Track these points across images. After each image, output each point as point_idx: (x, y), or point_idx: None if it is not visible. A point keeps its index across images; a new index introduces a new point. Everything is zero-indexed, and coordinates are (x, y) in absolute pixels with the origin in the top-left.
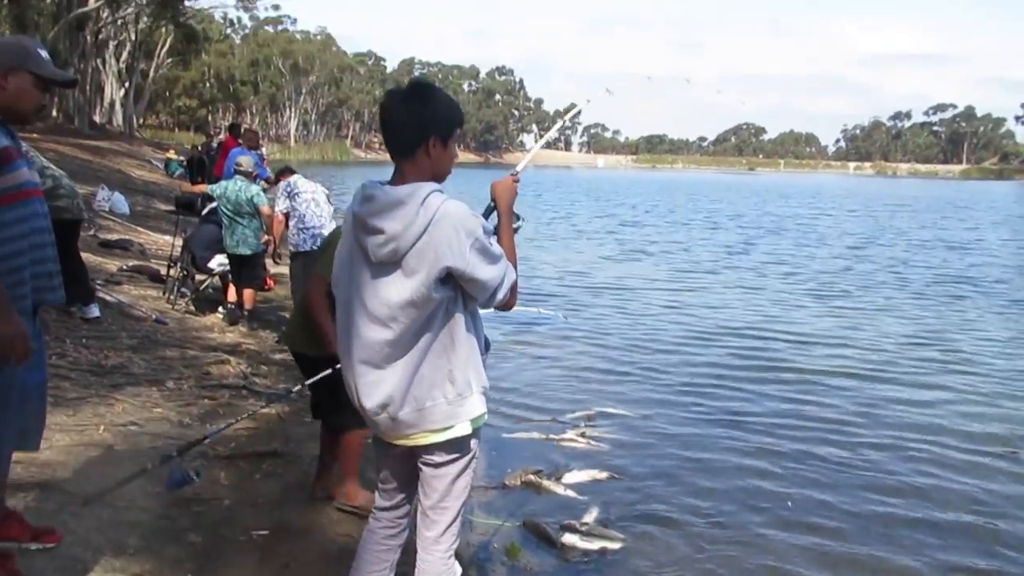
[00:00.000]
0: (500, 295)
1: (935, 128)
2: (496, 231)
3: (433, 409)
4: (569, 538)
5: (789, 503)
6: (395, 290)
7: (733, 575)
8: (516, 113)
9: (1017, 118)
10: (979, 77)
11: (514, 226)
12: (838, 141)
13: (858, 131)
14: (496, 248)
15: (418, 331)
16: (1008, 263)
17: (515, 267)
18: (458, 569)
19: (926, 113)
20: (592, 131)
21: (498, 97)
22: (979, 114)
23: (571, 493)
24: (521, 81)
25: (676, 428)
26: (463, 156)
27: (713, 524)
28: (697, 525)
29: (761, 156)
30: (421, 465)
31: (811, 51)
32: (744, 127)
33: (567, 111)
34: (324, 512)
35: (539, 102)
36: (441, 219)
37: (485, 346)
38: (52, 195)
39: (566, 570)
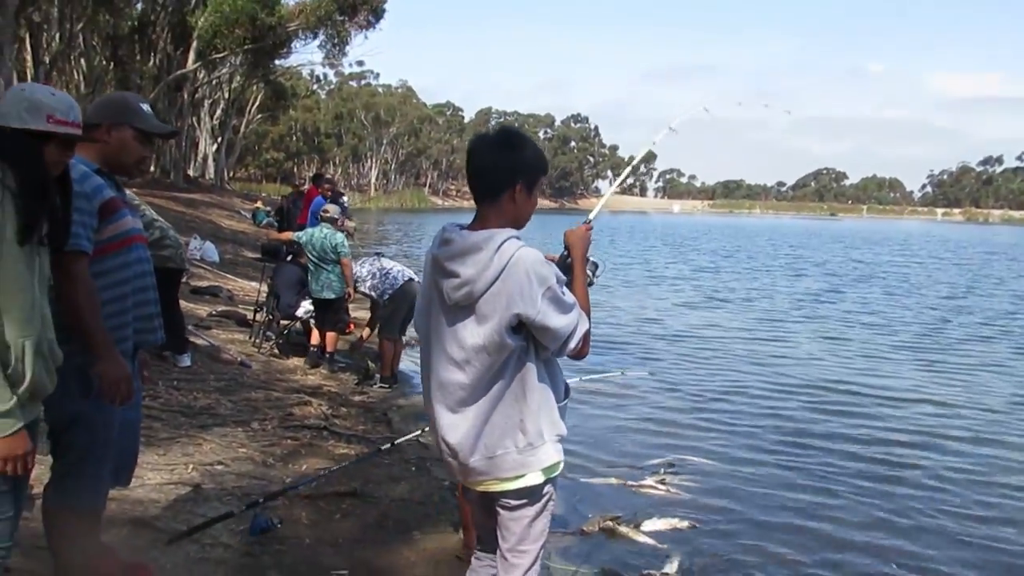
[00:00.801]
0: (572, 344)
1: None
2: (569, 280)
3: (504, 458)
4: None
5: (885, 563)
6: (468, 334)
7: None
8: (591, 159)
9: None
10: None
11: (589, 273)
12: (924, 187)
13: (946, 176)
14: (569, 297)
15: (491, 379)
16: None
17: (588, 316)
18: None
19: (1019, 158)
20: (667, 176)
21: (573, 144)
22: None
23: (651, 541)
24: (596, 128)
25: (758, 478)
26: (538, 202)
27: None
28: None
29: (845, 201)
30: (498, 508)
31: (893, 95)
32: (824, 172)
33: (643, 158)
34: (402, 553)
35: (614, 148)
36: (514, 265)
37: (564, 392)
38: (159, 245)
39: None
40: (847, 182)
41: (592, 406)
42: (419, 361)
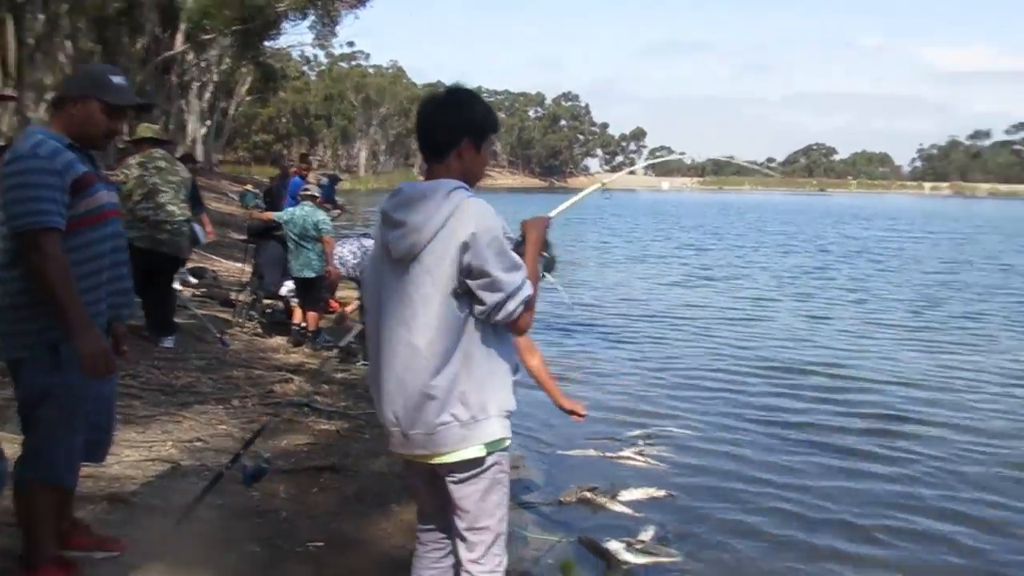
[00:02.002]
0: (513, 306)
1: (1016, 147)
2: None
3: (445, 431)
4: (625, 555)
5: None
6: (414, 288)
7: None
8: (581, 137)
9: None
10: None
11: (543, 265)
12: (913, 161)
13: (934, 150)
14: (518, 259)
15: (436, 340)
16: None
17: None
18: None
19: (1007, 131)
20: (657, 154)
21: (563, 123)
22: None
23: (627, 510)
24: (587, 106)
25: (736, 449)
26: (527, 181)
27: (772, 544)
28: (756, 545)
29: (834, 176)
30: (447, 484)
31: (884, 70)
32: (815, 147)
33: (585, 194)
34: (379, 524)
35: (604, 126)
36: (461, 213)
37: (515, 369)
38: (157, 228)
39: None
40: (837, 157)
41: (571, 382)
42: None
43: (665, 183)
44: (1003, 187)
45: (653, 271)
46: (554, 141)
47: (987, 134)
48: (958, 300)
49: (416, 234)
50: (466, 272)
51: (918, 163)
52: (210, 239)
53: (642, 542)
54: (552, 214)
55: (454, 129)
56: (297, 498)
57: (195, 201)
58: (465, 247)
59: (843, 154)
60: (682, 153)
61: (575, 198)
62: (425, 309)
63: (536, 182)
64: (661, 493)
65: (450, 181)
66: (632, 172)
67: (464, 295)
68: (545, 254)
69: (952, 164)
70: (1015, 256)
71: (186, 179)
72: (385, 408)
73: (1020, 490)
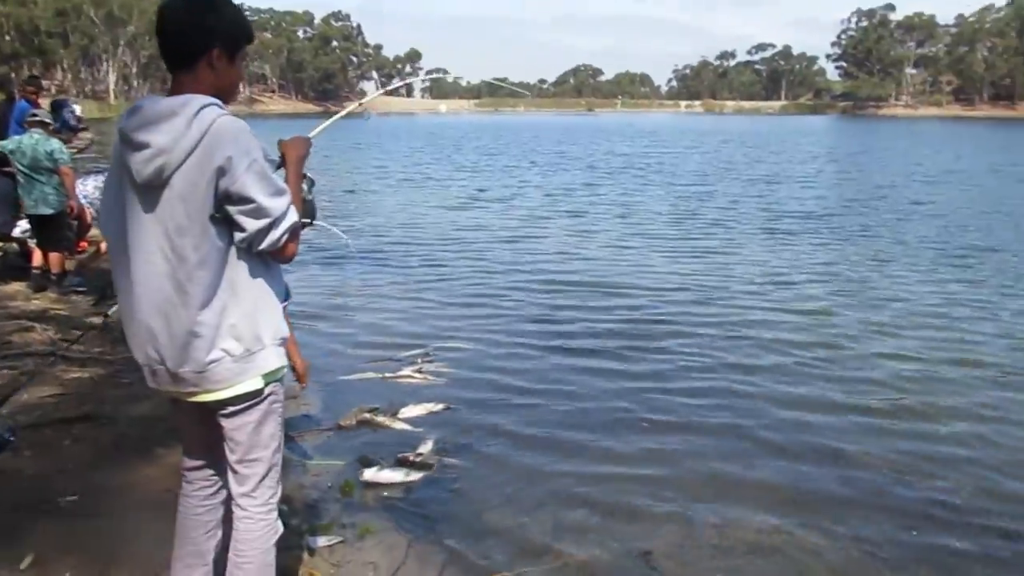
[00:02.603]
0: (277, 233)
1: (757, 67)
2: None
3: (217, 367)
4: (405, 469)
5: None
6: (167, 216)
7: (563, 492)
8: (355, 60)
9: (828, 56)
10: (794, 18)
11: (305, 188)
12: (670, 81)
13: (687, 71)
14: (281, 184)
15: (196, 273)
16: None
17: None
18: (280, 527)
19: (749, 52)
20: (433, 75)
21: (335, 44)
22: (795, 53)
23: (407, 426)
24: (359, 27)
25: (508, 362)
26: (301, 106)
27: (547, 446)
28: (532, 447)
29: (601, 97)
30: (219, 419)
31: None
32: (582, 68)
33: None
34: (141, 471)
35: (378, 48)
36: (216, 133)
37: (285, 295)
38: None
39: (403, 500)
40: (603, 78)
41: (349, 309)
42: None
43: (443, 106)
44: (747, 104)
45: (431, 195)
46: (327, 64)
47: (732, 55)
48: (710, 209)
49: (163, 157)
50: (224, 198)
51: (674, 83)
52: None
53: (421, 455)
54: (312, 134)
55: (205, 33)
56: (45, 454)
57: None
58: (221, 171)
59: (608, 75)
60: (444, 72)
61: (334, 117)
62: (181, 239)
63: (311, 107)
64: (440, 407)
65: (200, 96)
66: (390, 93)
67: (223, 221)
68: (308, 175)
69: (703, 83)
70: (758, 167)
71: None
72: (145, 347)
73: (758, 365)
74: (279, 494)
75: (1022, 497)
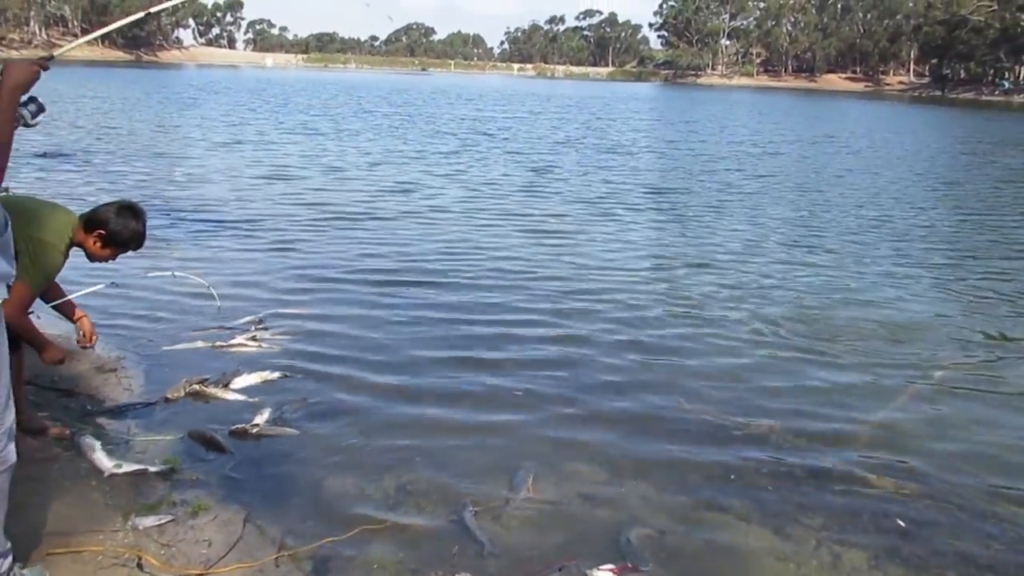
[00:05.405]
0: None
1: (585, 33)
2: None
3: None
4: (239, 440)
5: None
6: None
7: (400, 456)
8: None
9: (650, 25)
10: None
11: (27, 114)
12: (502, 43)
13: (520, 34)
14: None
15: None
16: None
17: (6, 153)
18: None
19: (577, 18)
20: (257, 27)
21: None
22: (620, 21)
23: (241, 396)
24: None
25: (348, 327)
26: (110, 54)
27: (384, 412)
28: (368, 412)
29: (434, 57)
30: None
31: None
32: (414, 27)
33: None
34: None
35: None
36: None
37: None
38: None
39: (237, 470)
40: (435, 38)
41: (169, 281)
42: None
43: (268, 59)
44: (576, 69)
45: (257, 160)
46: (136, 7)
47: (562, 19)
48: (557, 178)
49: None
50: None
51: (506, 46)
52: None
53: (256, 425)
54: (57, 54)
55: None
56: None
57: None
58: None
59: (441, 35)
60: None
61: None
62: None
63: (120, 55)
64: (275, 376)
65: None
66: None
67: None
68: (38, 100)
69: (535, 47)
70: (598, 134)
71: None
72: None
73: (591, 335)
74: None
75: (821, 434)
